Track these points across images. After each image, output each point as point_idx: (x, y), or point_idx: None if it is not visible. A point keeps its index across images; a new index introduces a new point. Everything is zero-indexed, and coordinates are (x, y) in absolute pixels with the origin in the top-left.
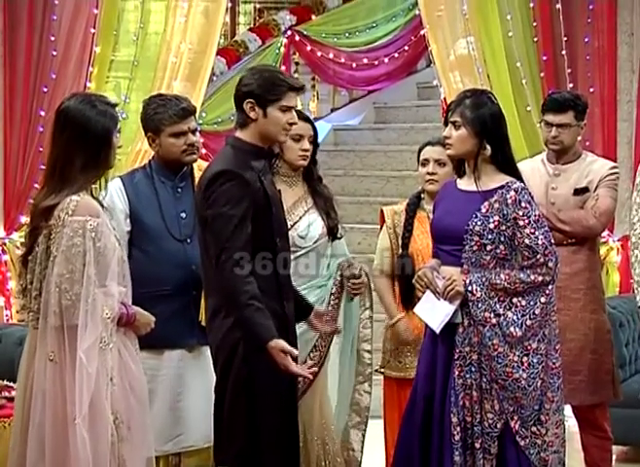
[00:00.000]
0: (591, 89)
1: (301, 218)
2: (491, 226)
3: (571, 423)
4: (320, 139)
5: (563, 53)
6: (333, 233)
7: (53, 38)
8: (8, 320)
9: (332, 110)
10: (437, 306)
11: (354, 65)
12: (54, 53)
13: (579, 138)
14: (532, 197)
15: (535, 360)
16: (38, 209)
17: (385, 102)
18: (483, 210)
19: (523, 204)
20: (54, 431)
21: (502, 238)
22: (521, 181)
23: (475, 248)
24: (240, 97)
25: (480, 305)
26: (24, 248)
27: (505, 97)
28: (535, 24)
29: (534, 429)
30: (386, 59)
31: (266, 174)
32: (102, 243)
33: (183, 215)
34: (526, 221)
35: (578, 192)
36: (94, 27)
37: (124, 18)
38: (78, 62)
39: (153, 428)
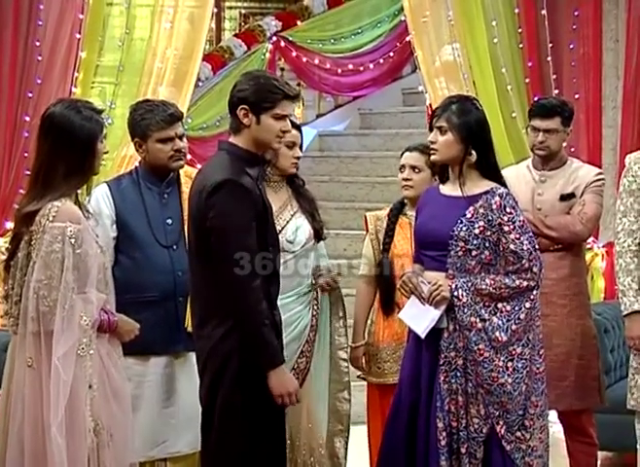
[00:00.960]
0: (577, 96)
1: (288, 222)
2: (476, 231)
3: (556, 429)
4: (305, 145)
5: (548, 59)
6: (318, 236)
7: (38, 43)
8: None
9: (317, 116)
10: (422, 312)
11: (339, 71)
12: (40, 58)
13: (564, 144)
14: (516, 203)
15: (520, 365)
16: (20, 215)
17: (370, 108)
18: (468, 215)
19: (508, 210)
20: (33, 437)
21: (487, 244)
22: (505, 187)
23: (460, 253)
24: (234, 103)
25: (465, 310)
26: (7, 254)
27: (490, 103)
28: (520, 31)
29: (518, 434)
30: (371, 65)
31: (262, 182)
32: (83, 250)
33: (169, 221)
34: (511, 226)
35: (564, 197)
36: (80, 33)
37: (110, 24)
38: (63, 67)
39: (139, 434)
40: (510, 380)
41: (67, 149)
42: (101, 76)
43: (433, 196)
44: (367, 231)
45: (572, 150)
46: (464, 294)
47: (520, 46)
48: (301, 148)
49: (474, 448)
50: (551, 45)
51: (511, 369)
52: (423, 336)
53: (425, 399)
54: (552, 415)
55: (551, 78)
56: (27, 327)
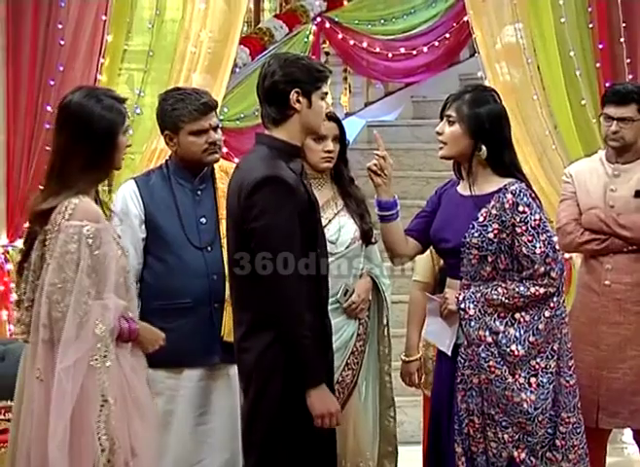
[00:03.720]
0: None
1: (330, 221)
2: (490, 235)
3: (632, 450)
4: (353, 137)
5: (622, 40)
6: (367, 238)
7: (60, 26)
8: (11, 335)
9: (365, 104)
10: (441, 328)
11: (390, 55)
12: (62, 42)
13: None
14: (534, 198)
15: (545, 380)
16: (34, 213)
17: (424, 96)
18: (481, 219)
19: (521, 209)
20: (40, 456)
21: (502, 248)
22: (524, 182)
23: (474, 261)
24: (283, 88)
25: (472, 323)
26: (21, 255)
27: (557, 90)
28: (590, 9)
29: (549, 455)
30: (425, 49)
31: (305, 177)
32: (102, 251)
33: (203, 220)
34: (523, 228)
35: (639, 194)
36: (106, 14)
37: (139, 4)
38: (88, 53)
39: (171, 453)
40: (533, 397)
41: (85, 141)
42: (129, 62)
43: (451, 191)
44: None
45: None
46: (471, 306)
47: (590, 26)
48: (343, 140)
49: None
50: (624, 25)
51: (534, 385)
52: (449, 352)
53: (446, 419)
54: (628, 435)
55: (624, 61)
56: (39, 335)
